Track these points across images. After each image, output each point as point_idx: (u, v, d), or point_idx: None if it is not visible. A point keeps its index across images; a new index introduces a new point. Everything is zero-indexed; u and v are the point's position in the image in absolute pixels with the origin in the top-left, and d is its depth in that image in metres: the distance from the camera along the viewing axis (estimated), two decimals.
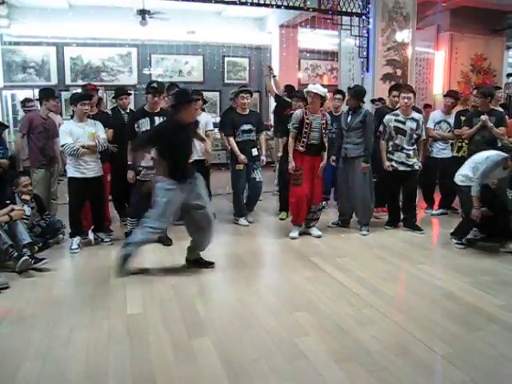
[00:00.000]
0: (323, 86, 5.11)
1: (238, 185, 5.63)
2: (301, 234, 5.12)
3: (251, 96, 5.69)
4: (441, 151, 6.09)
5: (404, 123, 5.17)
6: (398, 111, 5.29)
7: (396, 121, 5.20)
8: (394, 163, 5.22)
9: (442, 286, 3.72)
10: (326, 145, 5.07)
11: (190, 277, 3.94)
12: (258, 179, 5.65)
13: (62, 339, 2.85)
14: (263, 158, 5.67)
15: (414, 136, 5.20)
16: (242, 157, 5.45)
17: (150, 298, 3.48)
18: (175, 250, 4.67)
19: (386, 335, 2.90)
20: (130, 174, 4.60)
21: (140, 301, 3.43)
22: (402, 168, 5.20)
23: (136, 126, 4.54)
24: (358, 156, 5.10)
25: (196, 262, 4.17)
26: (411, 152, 5.18)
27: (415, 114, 5.24)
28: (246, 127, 5.51)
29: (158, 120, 4.54)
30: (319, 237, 5.07)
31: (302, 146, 4.94)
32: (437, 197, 6.39)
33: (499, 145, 5.25)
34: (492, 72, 10.34)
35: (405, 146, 5.17)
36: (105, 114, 5.49)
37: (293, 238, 5.00)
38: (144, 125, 4.54)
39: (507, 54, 11.36)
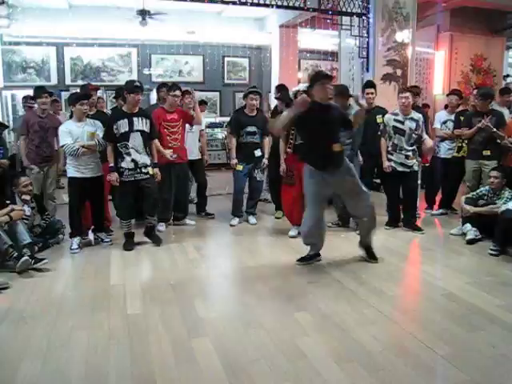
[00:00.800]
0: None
1: (237, 184, 5.64)
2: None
3: (261, 97, 5.70)
4: (448, 151, 6.09)
5: (403, 123, 5.15)
6: (397, 111, 5.28)
7: (395, 120, 5.17)
8: (392, 163, 5.21)
9: (443, 287, 3.72)
10: None
11: (190, 277, 3.94)
12: (258, 179, 5.67)
13: (62, 339, 2.85)
14: (265, 160, 5.62)
15: (414, 136, 5.18)
16: (234, 161, 5.49)
17: (150, 298, 3.47)
18: (175, 249, 4.66)
19: (386, 335, 2.90)
20: (114, 176, 4.49)
21: (140, 301, 3.43)
22: (400, 169, 5.19)
23: (115, 127, 4.47)
24: (346, 156, 5.08)
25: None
26: (410, 153, 5.16)
27: (415, 114, 5.22)
28: (251, 129, 5.50)
29: (136, 121, 4.51)
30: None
31: (290, 148, 4.91)
32: (437, 197, 6.40)
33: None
34: (492, 72, 10.34)
35: (404, 146, 5.14)
36: (104, 113, 5.49)
37: (291, 237, 5.00)
38: (123, 126, 4.47)
39: (507, 55, 11.36)
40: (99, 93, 6.25)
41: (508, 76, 11.63)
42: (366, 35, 7.43)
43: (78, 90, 5.59)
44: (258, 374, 2.48)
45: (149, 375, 2.47)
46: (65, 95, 9.41)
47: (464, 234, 5.02)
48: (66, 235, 4.82)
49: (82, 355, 2.67)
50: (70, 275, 4.16)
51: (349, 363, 2.58)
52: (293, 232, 5.07)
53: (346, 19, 7.41)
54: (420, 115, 5.32)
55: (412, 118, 5.16)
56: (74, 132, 4.50)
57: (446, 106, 6.48)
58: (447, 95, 6.50)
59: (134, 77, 10.51)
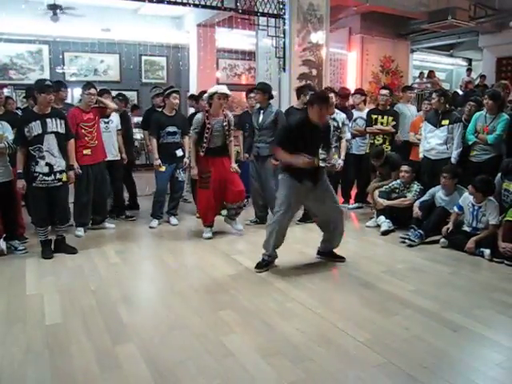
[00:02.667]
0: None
1: (160, 185, 5.56)
2: (217, 232, 5.15)
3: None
4: (359, 147, 6.42)
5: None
6: None
7: None
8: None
9: (359, 276, 3.92)
10: (232, 147, 5.03)
11: (112, 282, 3.82)
12: (180, 179, 5.64)
13: None
14: (186, 160, 5.58)
15: (336, 134, 5.43)
16: (157, 162, 5.40)
17: (70, 307, 3.33)
18: (95, 254, 4.50)
19: (309, 327, 3.00)
20: (20, 184, 4.25)
21: (59, 310, 3.27)
22: (322, 165, 5.38)
23: (26, 130, 4.20)
24: (270, 155, 5.20)
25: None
26: (332, 150, 5.36)
27: (337, 115, 5.46)
28: (171, 129, 5.45)
29: (50, 122, 4.27)
30: (240, 230, 5.16)
31: (203, 151, 4.87)
32: (353, 192, 6.72)
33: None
34: (399, 73, 11.04)
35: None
36: (13, 114, 5.16)
37: (207, 238, 5.00)
38: (35, 128, 4.21)
39: (412, 57, 12.17)
40: (7, 92, 5.87)
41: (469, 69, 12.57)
42: (282, 36, 7.60)
43: None
44: (186, 375, 2.47)
45: None
46: None
47: (379, 226, 5.33)
48: None
49: None
50: None
51: (275, 357, 2.64)
52: (207, 234, 5.07)
53: (262, 20, 7.52)
54: (343, 116, 5.57)
55: (334, 119, 5.41)
56: None
57: (352, 106, 6.85)
58: (352, 95, 6.84)
59: (47, 75, 9.94)
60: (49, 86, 4.29)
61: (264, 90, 5.34)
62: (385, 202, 5.34)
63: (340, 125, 5.47)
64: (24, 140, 4.22)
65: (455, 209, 4.72)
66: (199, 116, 4.89)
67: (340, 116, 5.52)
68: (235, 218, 5.16)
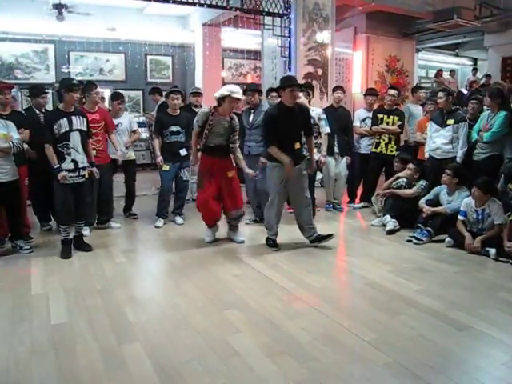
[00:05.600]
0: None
1: (165, 185, 5.57)
2: (221, 231, 5.04)
3: (182, 96, 5.69)
4: (367, 147, 6.40)
5: None
6: None
7: None
8: None
9: (366, 276, 3.91)
10: (237, 151, 4.85)
11: (117, 281, 3.83)
12: (184, 178, 5.65)
13: None
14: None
15: (314, 131, 5.43)
16: (159, 159, 5.44)
17: (76, 306, 3.34)
18: (101, 254, 4.51)
19: (314, 326, 3.00)
20: (63, 174, 4.27)
21: (65, 310, 3.28)
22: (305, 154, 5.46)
23: (55, 127, 4.29)
24: (261, 153, 5.22)
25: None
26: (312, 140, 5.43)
27: (313, 111, 5.47)
28: (175, 129, 5.47)
29: (75, 120, 4.37)
30: (242, 242, 4.86)
31: (201, 147, 4.73)
32: (358, 191, 6.70)
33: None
34: (405, 72, 10.99)
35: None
36: (19, 113, 5.18)
37: (209, 242, 4.84)
38: (63, 125, 4.32)
39: (417, 56, 12.13)
40: (13, 92, 5.89)
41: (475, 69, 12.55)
42: (287, 35, 7.60)
43: None
44: (191, 375, 2.47)
45: None
46: None
47: (384, 225, 5.32)
48: None
49: (2, 373, 2.51)
50: None
51: (280, 356, 2.64)
52: (208, 237, 4.89)
53: (268, 19, 7.52)
54: (318, 111, 5.62)
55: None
56: None
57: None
58: (364, 95, 6.83)
59: (52, 75, 10.00)
60: (75, 85, 4.37)
61: (257, 90, 5.44)
62: (389, 191, 5.43)
63: (316, 120, 5.50)
64: (53, 137, 4.28)
65: (459, 217, 4.68)
66: (205, 110, 4.67)
67: (316, 111, 5.55)
68: (236, 229, 4.95)
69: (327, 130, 5.68)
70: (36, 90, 5.28)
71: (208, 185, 4.65)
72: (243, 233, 5.06)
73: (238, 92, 4.52)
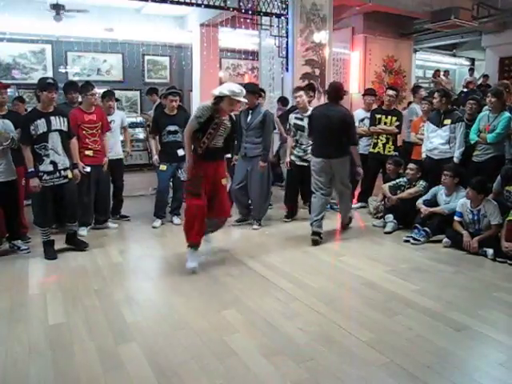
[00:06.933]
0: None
1: (161, 185, 5.57)
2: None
3: (180, 97, 5.70)
4: (365, 147, 6.41)
5: (302, 120, 5.46)
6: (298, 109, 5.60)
7: (296, 118, 5.50)
8: (293, 157, 5.56)
9: (363, 276, 3.92)
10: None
11: (114, 282, 3.83)
12: (182, 178, 5.62)
13: None
14: None
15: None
16: (154, 158, 5.46)
17: (73, 307, 3.33)
18: (98, 254, 4.51)
19: (312, 327, 3.00)
20: (35, 182, 4.21)
21: (62, 310, 3.28)
22: (299, 163, 5.52)
23: (32, 128, 4.21)
24: (257, 155, 5.24)
25: None
26: (309, 148, 5.43)
27: (308, 112, 5.47)
28: (172, 128, 5.47)
29: (54, 120, 4.30)
30: (208, 253, 4.38)
31: (201, 149, 4.06)
32: (356, 191, 6.70)
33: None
34: (402, 72, 11.02)
35: (303, 141, 5.48)
36: (15, 113, 5.16)
37: (192, 268, 3.99)
38: (41, 126, 4.23)
39: (415, 57, 12.15)
40: (10, 92, 5.88)
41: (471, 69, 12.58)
42: (285, 35, 7.60)
43: None
44: (189, 375, 2.47)
45: None
46: None
47: (385, 225, 5.32)
48: None
49: None
50: None
51: (278, 356, 2.64)
52: (191, 262, 4.03)
53: (265, 19, 7.53)
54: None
55: (302, 119, 5.47)
56: None
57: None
58: (363, 95, 6.84)
59: (49, 75, 9.95)
60: (50, 84, 4.29)
61: (254, 91, 5.36)
62: (398, 196, 5.38)
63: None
64: (30, 138, 4.23)
65: (455, 217, 4.69)
66: (208, 105, 4.02)
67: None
68: (209, 234, 4.44)
69: None
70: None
71: (203, 192, 4.07)
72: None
73: (239, 94, 3.98)
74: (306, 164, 5.42)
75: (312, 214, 4.95)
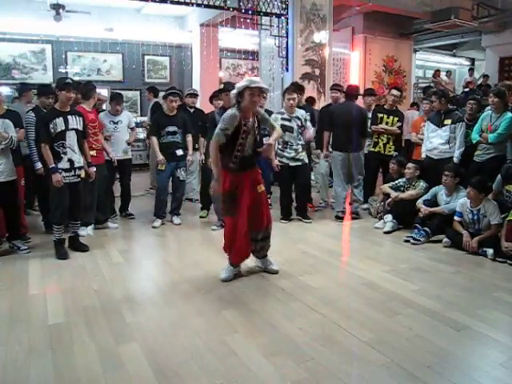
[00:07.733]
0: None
1: (160, 184, 5.58)
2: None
3: (180, 98, 5.69)
4: (366, 147, 6.40)
5: (290, 121, 5.46)
6: (283, 110, 5.61)
7: (282, 119, 5.46)
8: (284, 159, 5.52)
9: (363, 276, 3.91)
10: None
11: (115, 282, 3.82)
12: (181, 178, 5.64)
13: None
14: (190, 157, 5.64)
15: (300, 131, 5.50)
16: (160, 157, 5.42)
17: (73, 307, 3.33)
18: (98, 254, 4.51)
19: (312, 327, 3.00)
20: (58, 177, 4.23)
21: (62, 310, 3.28)
22: (292, 164, 5.51)
23: (51, 126, 4.26)
24: None
25: None
26: (300, 147, 5.48)
27: (298, 112, 5.51)
28: (171, 129, 5.47)
29: (71, 119, 4.36)
30: (275, 272, 3.96)
31: (235, 163, 3.66)
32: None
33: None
34: (402, 72, 11.02)
35: (292, 141, 5.47)
36: (14, 112, 5.15)
37: (223, 281, 3.77)
38: (59, 125, 4.29)
39: (415, 56, 12.15)
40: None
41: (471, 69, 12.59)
42: (285, 35, 7.61)
43: None
44: (189, 375, 2.47)
45: None
46: None
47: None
48: None
49: None
50: None
51: (278, 356, 2.64)
52: (226, 275, 3.81)
53: (265, 19, 7.54)
54: (303, 112, 5.62)
55: (297, 117, 5.49)
56: None
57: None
58: (362, 95, 6.83)
59: (49, 75, 9.99)
60: (68, 84, 4.34)
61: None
62: (399, 195, 5.37)
63: (303, 121, 5.52)
64: (49, 136, 4.27)
65: (455, 217, 4.69)
66: (234, 113, 3.58)
67: (301, 112, 5.56)
68: (265, 255, 4.01)
69: (311, 131, 5.70)
70: (43, 90, 5.25)
71: (238, 209, 3.71)
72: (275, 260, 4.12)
73: (257, 81, 3.57)
74: (299, 163, 5.45)
75: (340, 201, 5.71)
